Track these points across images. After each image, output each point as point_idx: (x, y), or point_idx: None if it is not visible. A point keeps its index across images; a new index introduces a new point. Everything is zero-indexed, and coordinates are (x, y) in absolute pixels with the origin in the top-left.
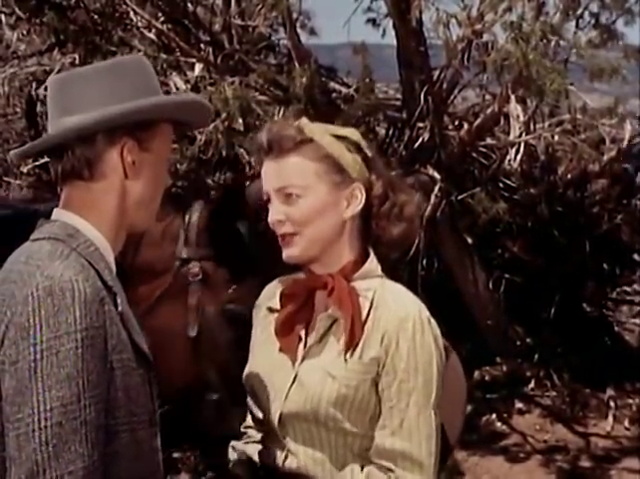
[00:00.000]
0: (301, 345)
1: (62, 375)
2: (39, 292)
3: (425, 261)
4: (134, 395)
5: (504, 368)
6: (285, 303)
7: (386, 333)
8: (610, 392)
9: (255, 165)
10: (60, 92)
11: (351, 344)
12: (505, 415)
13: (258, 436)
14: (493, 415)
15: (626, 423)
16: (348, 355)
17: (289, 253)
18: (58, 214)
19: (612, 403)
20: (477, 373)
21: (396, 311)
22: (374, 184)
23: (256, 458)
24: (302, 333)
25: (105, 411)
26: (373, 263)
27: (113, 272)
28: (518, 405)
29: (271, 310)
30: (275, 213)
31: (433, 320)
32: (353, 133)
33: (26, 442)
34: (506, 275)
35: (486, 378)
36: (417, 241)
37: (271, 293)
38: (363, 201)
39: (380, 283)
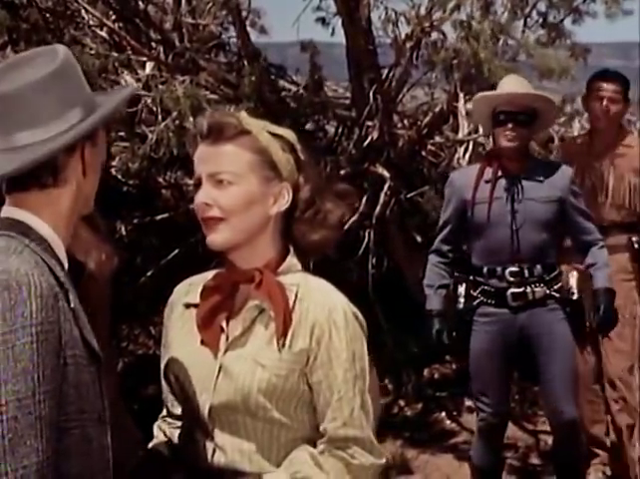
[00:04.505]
0: (223, 337)
1: (17, 369)
2: None
3: (374, 260)
4: (84, 392)
5: (454, 366)
6: (207, 296)
7: (316, 324)
8: None
9: (190, 149)
10: (9, 106)
11: (282, 334)
12: (455, 413)
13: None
14: (443, 413)
15: None
16: (277, 345)
17: (212, 239)
18: (11, 211)
19: None
20: (426, 371)
21: (324, 303)
22: (301, 187)
23: (182, 451)
24: (224, 324)
25: (57, 407)
26: (294, 259)
27: (65, 269)
28: (468, 403)
29: (188, 306)
30: (204, 196)
31: (359, 312)
32: (289, 133)
33: None
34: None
35: (436, 376)
36: (366, 240)
37: (185, 291)
38: (289, 201)
39: (303, 278)
